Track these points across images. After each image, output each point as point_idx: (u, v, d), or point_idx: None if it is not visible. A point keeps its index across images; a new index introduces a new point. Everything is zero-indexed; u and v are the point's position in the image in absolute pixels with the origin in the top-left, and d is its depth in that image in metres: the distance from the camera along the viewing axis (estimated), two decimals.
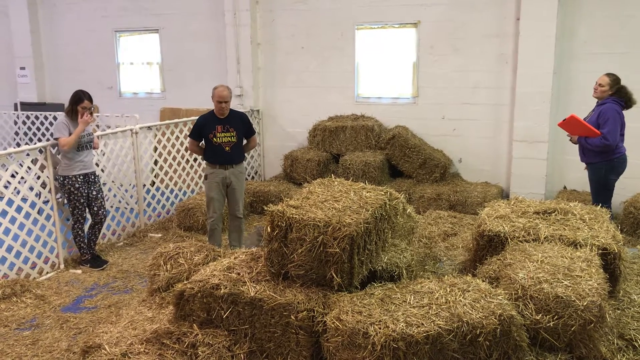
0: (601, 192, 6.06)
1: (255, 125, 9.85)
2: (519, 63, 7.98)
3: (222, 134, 6.09)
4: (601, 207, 5.86)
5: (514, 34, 8.07)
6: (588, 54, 7.77)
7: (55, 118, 10.36)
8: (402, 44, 8.93)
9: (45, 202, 6.20)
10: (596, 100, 6.11)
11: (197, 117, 6.43)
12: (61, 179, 6.07)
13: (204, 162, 6.34)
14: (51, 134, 9.27)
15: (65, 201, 6.26)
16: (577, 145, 6.20)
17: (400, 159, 8.55)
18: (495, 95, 8.43)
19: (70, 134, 5.97)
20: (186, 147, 8.26)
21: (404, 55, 8.94)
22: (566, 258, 3.87)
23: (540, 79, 7.83)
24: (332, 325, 3.24)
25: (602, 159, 5.95)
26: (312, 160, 8.77)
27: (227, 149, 6.13)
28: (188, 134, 6.50)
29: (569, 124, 5.96)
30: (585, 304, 3.32)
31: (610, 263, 4.11)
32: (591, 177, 6.14)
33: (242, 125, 6.26)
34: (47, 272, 6.15)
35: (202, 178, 6.37)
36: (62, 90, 11.25)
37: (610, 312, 3.73)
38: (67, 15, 11.17)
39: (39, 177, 6.13)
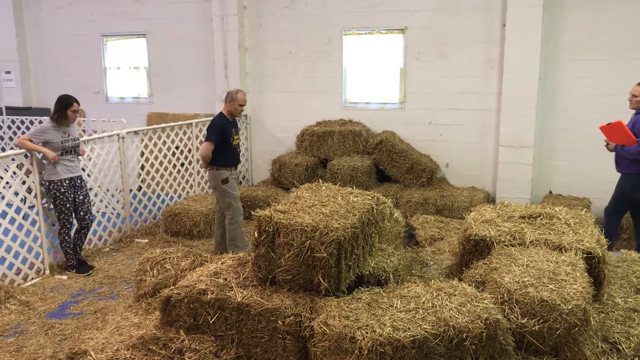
0: (620, 203, 6.02)
1: (243, 130, 9.85)
2: (505, 69, 8.06)
3: (236, 136, 6.24)
4: (610, 217, 5.80)
5: (500, 40, 8.15)
6: (573, 59, 7.85)
7: (41, 122, 10.27)
8: (389, 49, 8.99)
9: (31, 208, 6.14)
10: (634, 110, 6.00)
11: (207, 120, 6.38)
12: (47, 184, 6.02)
13: (219, 166, 6.08)
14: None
15: (51, 206, 6.20)
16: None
17: (388, 164, 8.58)
18: (481, 101, 8.49)
19: (46, 141, 5.92)
20: (174, 152, 8.23)
21: (392, 61, 8.99)
22: (551, 262, 3.89)
23: (526, 84, 7.90)
24: (319, 330, 3.24)
25: (636, 170, 5.87)
26: (300, 165, 8.78)
27: (239, 149, 6.31)
28: (204, 137, 6.12)
29: (612, 130, 5.86)
30: (570, 307, 3.35)
31: (594, 267, 4.14)
32: (618, 186, 6.10)
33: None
34: (32, 278, 6.08)
35: (220, 182, 6.06)
36: (48, 95, 11.18)
37: (594, 315, 3.77)
38: (53, 19, 11.09)
39: (24, 182, 6.07)
